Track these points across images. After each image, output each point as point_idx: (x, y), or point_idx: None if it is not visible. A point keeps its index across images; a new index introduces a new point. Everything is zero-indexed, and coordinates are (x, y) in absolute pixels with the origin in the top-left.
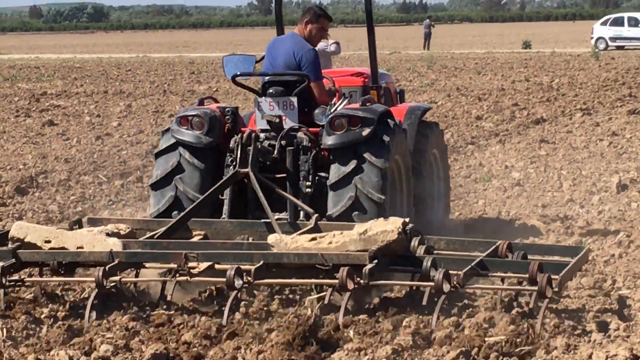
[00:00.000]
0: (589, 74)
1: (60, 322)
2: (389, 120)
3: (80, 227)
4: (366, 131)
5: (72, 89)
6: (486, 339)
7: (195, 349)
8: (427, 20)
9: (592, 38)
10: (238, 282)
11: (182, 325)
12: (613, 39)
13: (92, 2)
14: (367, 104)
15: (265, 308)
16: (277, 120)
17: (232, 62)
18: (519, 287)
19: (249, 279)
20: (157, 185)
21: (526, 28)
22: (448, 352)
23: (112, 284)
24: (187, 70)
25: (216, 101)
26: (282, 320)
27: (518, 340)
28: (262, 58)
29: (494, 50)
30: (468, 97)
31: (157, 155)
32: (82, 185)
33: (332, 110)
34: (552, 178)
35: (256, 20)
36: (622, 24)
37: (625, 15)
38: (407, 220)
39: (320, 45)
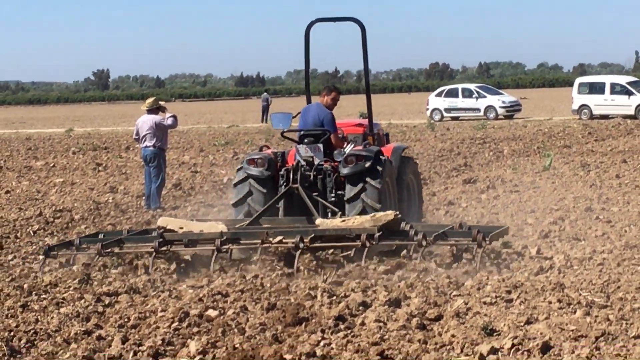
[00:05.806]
0: (425, 144)
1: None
2: (381, 156)
3: None
4: (368, 164)
5: None
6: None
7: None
8: (265, 93)
9: (427, 109)
10: (301, 245)
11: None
12: (448, 110)
13: None
14: (367, 146)
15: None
16: (310, 159)
17: (277, 118)
18: (465, 242)
19: (307, 243)
20: (236, 204)
21: (362, 100)
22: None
23: (225, 249)
24: (23, 146)
25: (269, 147)
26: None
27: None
28: (298, 114)
29: None
30: None
31: (235, 184)
32: None
33: (345, 152)
34: None
35: (94, 96)
36: (456, 95)
37: (460, 86)
38: (397, 212)
39: (157, 118)
